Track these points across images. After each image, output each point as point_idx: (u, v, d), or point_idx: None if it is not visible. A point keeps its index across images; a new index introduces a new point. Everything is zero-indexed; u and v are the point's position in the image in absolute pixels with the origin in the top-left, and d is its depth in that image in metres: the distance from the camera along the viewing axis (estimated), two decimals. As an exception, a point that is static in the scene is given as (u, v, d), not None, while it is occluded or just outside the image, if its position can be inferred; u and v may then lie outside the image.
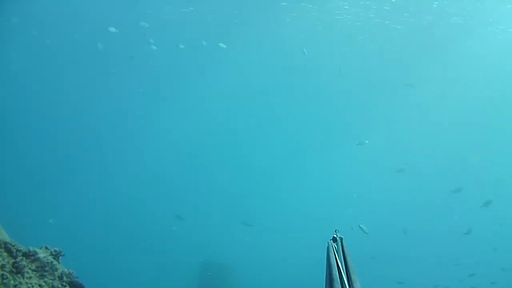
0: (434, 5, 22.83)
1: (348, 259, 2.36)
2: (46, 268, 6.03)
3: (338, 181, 34.89)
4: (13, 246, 6.10)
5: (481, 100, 30.72)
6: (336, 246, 2.49)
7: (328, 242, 2.50)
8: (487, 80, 28.85)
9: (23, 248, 6.09)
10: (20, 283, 5.74)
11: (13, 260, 5.81)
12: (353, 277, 2.20)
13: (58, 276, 6.08)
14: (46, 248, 6.19)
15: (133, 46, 28.11)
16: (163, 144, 35.42)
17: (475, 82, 29.41)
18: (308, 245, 17.06)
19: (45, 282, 6.02)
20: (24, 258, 5.95)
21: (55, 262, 6.06)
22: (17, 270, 5.80)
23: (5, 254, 5.73)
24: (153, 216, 27.38)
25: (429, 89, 29.14)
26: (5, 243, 6.04)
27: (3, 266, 5.59)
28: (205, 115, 35.57)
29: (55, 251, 6.29)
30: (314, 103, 34.69)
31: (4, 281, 5.61)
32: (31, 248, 6.08)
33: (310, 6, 24.20)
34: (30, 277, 5.89)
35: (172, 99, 35.03)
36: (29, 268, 5.95)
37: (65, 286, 6.11)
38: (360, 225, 14.80)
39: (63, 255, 6.70)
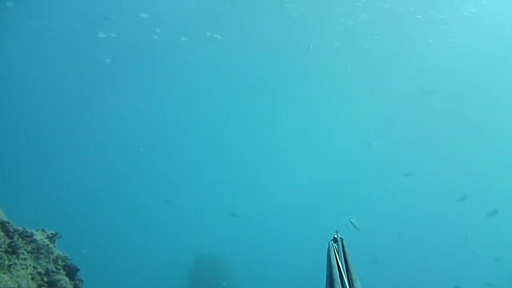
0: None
1: (349, 259, 2.38)
2: (42, 251, 6.01)
3: (341, 181, 34.68)
4: (10, 225, 6.08)
5: (490, 106, 30.69)
6: (336, 246, 2.49)
7: (328, 243, 2.50)
8: (492, 86, 28.86)
9: (20, 229, 6.07)
10: (15, 263, 5.72)
11: (9, 240, 5.79)
12: (353, 277, 2.22)
13: (53, 259, 6.06)
14: (43, 230, 6.18)
15: (137, 36, 28.04)
16: (159, 138, 35.41)
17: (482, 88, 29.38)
18: (308, 245, 17.05)
19: (39, 264, 6.00)
20: (20, 239, 5.93)
21: (51, 245, 6.04)
22: (13, 250, 5.78)
23: (1, 233, 5.71)
24: (147, 208, 27.32)
25: (441, 95, 29.18)
26: (2, 222, 6.02)
27: (-1, 246, 5.57)
28: (205, 110, 35.55)
29: (52, 233, 6.27)
30: (317, 101, 34.76)
31: (-1, 260, 5.59)
32: (28, 229, 6.06)
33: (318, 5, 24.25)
34: (25, 259, 5.87)
35: (167, 92, 35.09)
36: (25, 250, 5.93)
37: (59, 269, 6.09)
38: (351, 219, 13.74)
39: (60, 237, 6.68)
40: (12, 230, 5.99)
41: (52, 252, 6.04)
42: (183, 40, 23.68)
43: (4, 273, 5.72)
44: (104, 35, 24.42)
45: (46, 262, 5.94)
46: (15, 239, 5.90)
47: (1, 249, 5.76)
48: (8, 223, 6.04)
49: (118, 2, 25.36)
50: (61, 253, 6.20)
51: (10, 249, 5.79)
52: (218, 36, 23.46)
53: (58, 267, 6.04)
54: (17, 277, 5.68)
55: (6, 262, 5.78)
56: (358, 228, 13.74)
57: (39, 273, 5.81)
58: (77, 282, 6.33)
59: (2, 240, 5.71)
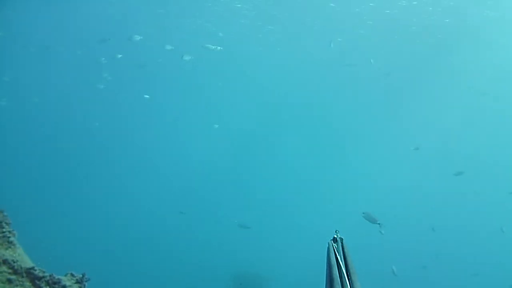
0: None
1: (348, 259, 2.42)
2: (72, 298, 5.56)
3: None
4: (37, 272, 5.66)
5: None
6: (337, 246, 2.53)
7: (328, 243, 2.53)
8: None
9: (47, 275, 5.63)
10: (44, 314, 5.29)
11: (36, 290, 5.37)
12: (353, 277, 2.28)
13: (84, 306, 5.61)
14: (72, 275, 5.73)
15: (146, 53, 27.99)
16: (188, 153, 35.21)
17: None
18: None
19: (70, 312, 5.55)
20: (48, 287, 5.49)
21: (81, 291, 5.59)
22: (41, 300, 5.35)
23: (28, 284, 5.29)
24: (180, 225, 26.57)
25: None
26: (28, 270, 5.60)
27: (26, 297, 5.15)
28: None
29: (80, 278, 5.81)
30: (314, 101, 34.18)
31: (27, 312, 5.16)
32: (55, 275, 5.63)
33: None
34: (55, 308, 5.44)
35: (179, 102, 35.02)
36: (54, 298, 5.50)
37: (92, 316, 5.63)
38: (363, 214, 11.84)
39: (88, 279, 6.23)
40: (39, 276, 5.58)
41: (82, 299, 5.59)
42: (186, 59, 22.89)
43: (34, 325, 5.29)
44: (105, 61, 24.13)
45: (77, 310, 5.49)
46: (43, 287, 5.48)
47: (29, 300, 5.33)
48: (34, 269, 5.63)
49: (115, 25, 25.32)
50: (92, 298, 5.74)
51: (38, 299, 5.37)
52: (214, 47, 22.66)
53: (90, 314, 5.58)
54: (48, 329, 5.25)
55: (35, 313, 5.35)
56: (378, 223, 12.09)
57: (71, 323, 5.36)
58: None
59: (29, 290, 5.29)
